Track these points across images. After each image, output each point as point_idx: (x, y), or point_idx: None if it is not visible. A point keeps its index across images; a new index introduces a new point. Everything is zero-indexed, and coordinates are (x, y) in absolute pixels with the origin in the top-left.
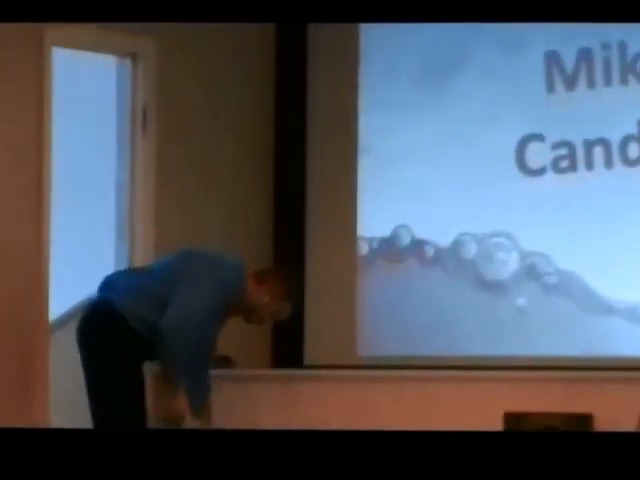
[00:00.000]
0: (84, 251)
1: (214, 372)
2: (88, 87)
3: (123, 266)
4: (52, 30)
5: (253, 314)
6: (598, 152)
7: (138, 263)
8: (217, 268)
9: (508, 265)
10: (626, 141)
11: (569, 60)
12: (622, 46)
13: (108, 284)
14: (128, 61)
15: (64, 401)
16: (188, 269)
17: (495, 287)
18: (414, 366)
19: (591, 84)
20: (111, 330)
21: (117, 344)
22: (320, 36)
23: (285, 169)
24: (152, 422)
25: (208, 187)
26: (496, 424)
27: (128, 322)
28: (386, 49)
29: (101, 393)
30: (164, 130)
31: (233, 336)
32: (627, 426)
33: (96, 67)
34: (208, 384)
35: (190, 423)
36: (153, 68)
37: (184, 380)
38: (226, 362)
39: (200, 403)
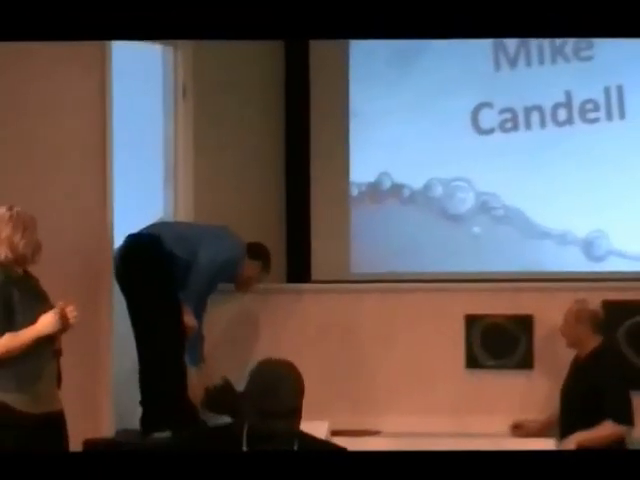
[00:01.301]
0: (139, 196)
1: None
2: (141, 69)
3: (169, 208)
4: None
5: (244, 282)
6: (535, 116)
7: (180, 205)
8: (232, 234)
9: (466, 202)
10: (556, 107)
11: (511, 44)
12: None
13: (150, 225)
14: (170, 48)
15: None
16: (213, 231)
17: (456, 219)
18: (393, 280)
19: (528, 63)
20: (148, 251)
21: (153, 264)
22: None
23: (294, 130)
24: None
25: (232, 144)
26: (458, 324)
27: (163, 246)
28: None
29: (145, 305)
30: (199, 100)
31: None
32: (558, 323)
33: (146, 53)
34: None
35: None
36: (190, 53)
37: (190, 299)
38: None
39: (192, 306)
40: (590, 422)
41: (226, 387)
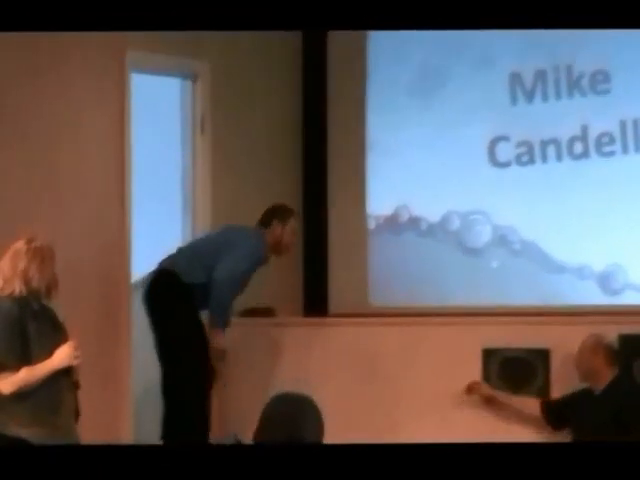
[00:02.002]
0: (158, 226)
1: (262, 320)
2: (159, 101)
3: (188, 236)
4: (130, 57)
5: (282, 243)
6: (551, 149)
7: (198, 233)
8: (248, 236)
9: (483, 235)
10: (572, 141)
11: (528, 79)
12: (569, 68)
13: (167, 257)
14: (189, 81)
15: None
16: (229, 239)
17: (474, 252)
18: (411, 313)
19: (545, 98)
20: (169, 287)
21: (175, 297)
22: (337, 57)
23: (311, 162)
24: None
25: (249, 176)
26: (476, 357)
27: (181, 279)
28: (387, 66)
29: (171, 334)
30: (217, 132)
31: (274, 292)
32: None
33: (164, 86)
34: (229, 317)
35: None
36: (208, 86)
37: (218, 315)
38: (269, 312)
39: (223, 325)
40: None
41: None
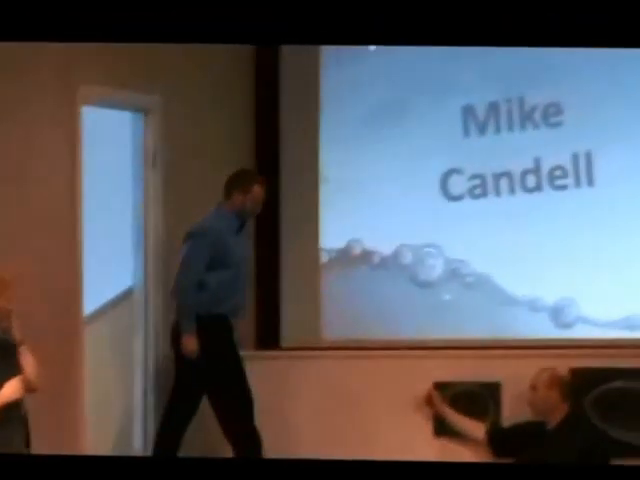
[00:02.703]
0: (109, 260)
1: None
2: (111, 136)
3: (139, 275)
4: (82, 92)
5: (246, 212)
6: (504, 182)
7: (150, 272)
8: (192, 235)
9: (436, 269)
10: (525, 174)
11: (481, 111)
12: (521, 100)
13: None
14: (141, 115)
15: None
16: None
17: (426, 286)
18: (363, 347)
19: (497, 130)
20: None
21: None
22: (290, 90)
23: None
24: None
25: (202, 210)
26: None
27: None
28: (341, 100)
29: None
30: (169, 166)
31: None
32: (525, 391)
33: (116, 120)
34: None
35: None
36: (160, 120)
37: (181, 320)
38: None
39: (188, 329)
40: None
41: None
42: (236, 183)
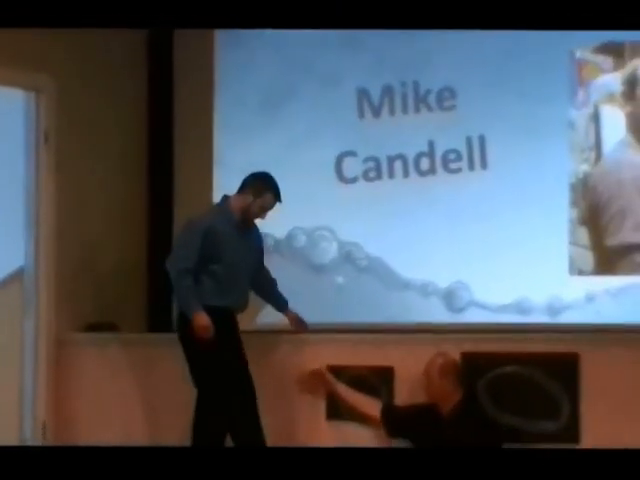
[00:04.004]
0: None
1: (102, 336)
2: (3, 114)
3: (30, 255)
4: None
5: (249, 213)
6: (398, 165)
7: (42, 252)
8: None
9: (329, 252)
10: (419, 157)
11: (375, 94)
12: (416, 84)
13: None
14: (33, 94)
15: None
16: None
17: (320, 269)
18: (256, 330)
19: (392, 112)
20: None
21: None
22: (184, 72)
23: (157, 176)
24: None
25: (94, 189)
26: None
27: None
28: (235, 83)
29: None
30: (61, 146)
31: (117, 306)
32: (418, 375)
33: (8, 99)
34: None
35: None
36: (53, 99)
37: (181, 306)
38: (111, 327)
39: (189, 310)
40: None
41: None
42: (253, 182)
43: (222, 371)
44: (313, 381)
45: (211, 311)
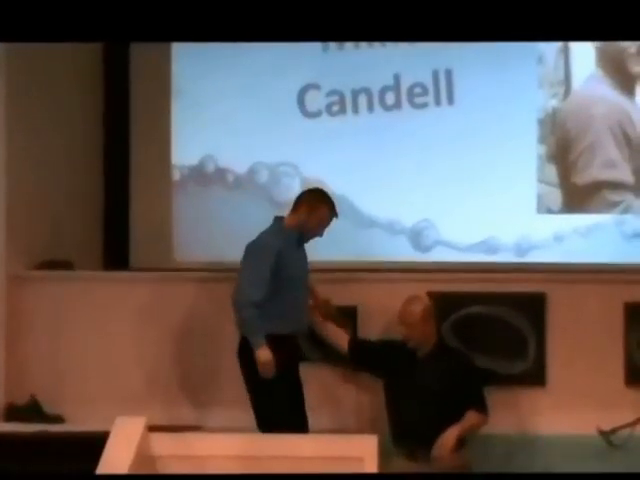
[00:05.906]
0: None
1: (59, 273)
2: None
3: None
4: None
5: (306, 230)
6: (362, 99)
7: None
8: (249, 247)
9: (293, 188)
10: (384, 91)
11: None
12: None
13: None
14: None
15: None
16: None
17: (283, 206)
18: (217, 269)
19: (357, 45)
20: None
21: None
22: None
23: (112, 107)
24: None
25: (50, 129)
26: None
27: None
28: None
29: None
30: (13, 125)
31: (73, 244)
32: (390, 317)
33: None
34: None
35: None
36: (2, 56)
37: (247, 337)
38: (67, 265)
39: (255, 343)
40: (453, 416)
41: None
42: (306, 198)
43: (280, 394)
44: None
45: (275, 340)
